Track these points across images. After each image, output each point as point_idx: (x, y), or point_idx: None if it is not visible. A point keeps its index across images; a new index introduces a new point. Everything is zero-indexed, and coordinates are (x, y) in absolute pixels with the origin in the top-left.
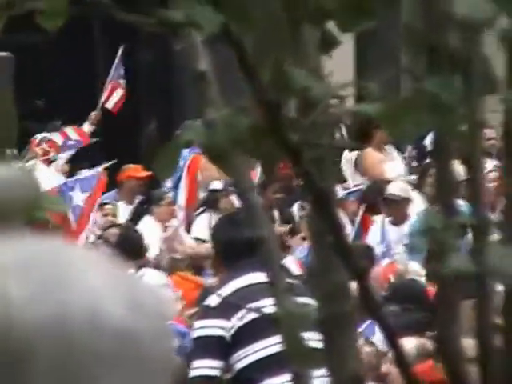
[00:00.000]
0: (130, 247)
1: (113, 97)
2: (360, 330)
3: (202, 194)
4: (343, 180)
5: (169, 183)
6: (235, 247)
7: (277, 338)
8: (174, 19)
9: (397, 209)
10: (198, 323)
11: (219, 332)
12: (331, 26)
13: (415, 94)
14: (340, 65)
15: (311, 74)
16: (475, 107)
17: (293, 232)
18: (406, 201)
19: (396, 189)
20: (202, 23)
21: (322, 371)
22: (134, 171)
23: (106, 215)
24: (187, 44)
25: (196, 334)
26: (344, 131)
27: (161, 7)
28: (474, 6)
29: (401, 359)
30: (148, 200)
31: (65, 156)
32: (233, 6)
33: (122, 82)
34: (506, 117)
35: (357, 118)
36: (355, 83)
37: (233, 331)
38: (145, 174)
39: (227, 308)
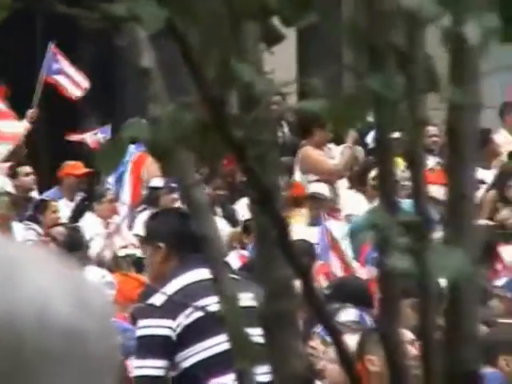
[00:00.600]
0: (73, 245)
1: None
2: (317, 330)
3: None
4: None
5: (111, 179)
6: (176, 241)
7: (223, 337)
8: (117, 14)
9: (320, 208)
10: (142, 322)
11: (164, 331)
12: (275, 20)
13: (358, 91)
14: (282, 62)
15: (254, 70)
16: (417, 105)
17: (247, 230)
18: (328, 201)
19: (321, 188)
20: (146, 18)
21: (266, 368)
22: (73, 168)
23: (53, 212)
24: (130, 38)
25: (140, 333)
26: (286, 128)
27: (104, 1)
28: (418, 3)
29: (344, 356)
30: (89, 197)
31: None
32: (176, 1)
33: (57, 77)
34: (449, 114)
35: (299, 115)
36: (298, 80)
37: (178, 330)
38: (84, 170)
39: (172, 307)
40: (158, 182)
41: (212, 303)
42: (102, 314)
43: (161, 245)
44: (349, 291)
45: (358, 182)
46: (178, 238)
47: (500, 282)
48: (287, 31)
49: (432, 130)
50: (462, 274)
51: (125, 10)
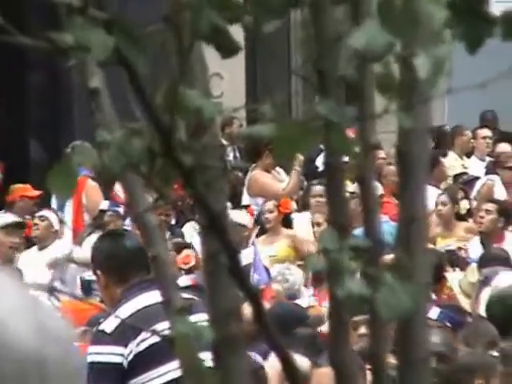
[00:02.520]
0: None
1: None
2: None
3: (87, 216)
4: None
5: (54, 204)
6: (122, 263)
7: (176, 363)
8: (65, 43)
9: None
10: (92, 348)
11: (115, 359)
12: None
13: (308, 117)
14: (231, 87)
15: (203, 96)
16: (367, 129)
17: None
18: (245, 229)
19: (240, 218)
20: (94, 47)
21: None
22: (25, 190)
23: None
24: (78, 63)
25: (91, 359)
26: (237, 153)
27: (53, 28)
28: (370, 39)
29: (293, 378)
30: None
31: None
32: (123, 29)
33: None
34: (399, 138)
35: (248, 139)
36: (247, 106)
37: (130, 357)
38: (37, 192)
39: (124, 333)
40: (105, 205)
41: (165, 328)
42: (63, 338)
43: (98, 272)
44: (287, 316)
45: (301, 204)
46: (114, 263)
47: (433, 313)
48: (236, 59)
49: (380, 153)
50: (410, 312)
51: (73, 39)
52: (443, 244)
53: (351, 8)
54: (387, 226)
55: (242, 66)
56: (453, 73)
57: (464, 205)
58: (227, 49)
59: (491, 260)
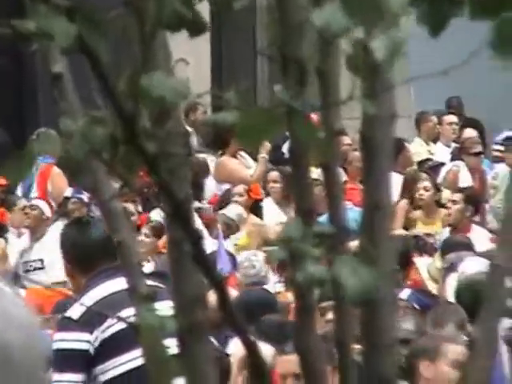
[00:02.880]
0: None
1: None
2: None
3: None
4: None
5: (19, 191)
6: (88, 252)
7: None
8: (28, 30)
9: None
10: (58, 335)
11: (81, 345)
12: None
13: (272, 103)
14: (196, 74)
15: (166, 81)
16: (331, 115)
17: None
18: (237, 226)
19: (231, 213)
20: (57, 34)
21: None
22: None
23: None
24: (42, 48)
25: (57, 346)
26: (200, 140)
27: (16, 16)
28: (329, 18)
29: (258, 367)
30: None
31: None
32: (85, 16)
33: None
34: (363, 125)
35: (213, 126)
36: (212, 93)
37: (96, 344)
38: (2, 180)
39: (90, 320)
40: (70, 192)
41: (130, 315)
42: (26, 324)
43: (64, 261)
44: (257, 303)
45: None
46: (79, 252)
47: (404, 294)
48: (201, 45)
49: (345, 139)
50: (370, 291)
51: (35, 26)
52: (425, 230)
53: None
54: (352, 213)
55: (207, 52)
56: (419, 59)
57: (445, 194)
58: (195, 27)
59: (454, 246)
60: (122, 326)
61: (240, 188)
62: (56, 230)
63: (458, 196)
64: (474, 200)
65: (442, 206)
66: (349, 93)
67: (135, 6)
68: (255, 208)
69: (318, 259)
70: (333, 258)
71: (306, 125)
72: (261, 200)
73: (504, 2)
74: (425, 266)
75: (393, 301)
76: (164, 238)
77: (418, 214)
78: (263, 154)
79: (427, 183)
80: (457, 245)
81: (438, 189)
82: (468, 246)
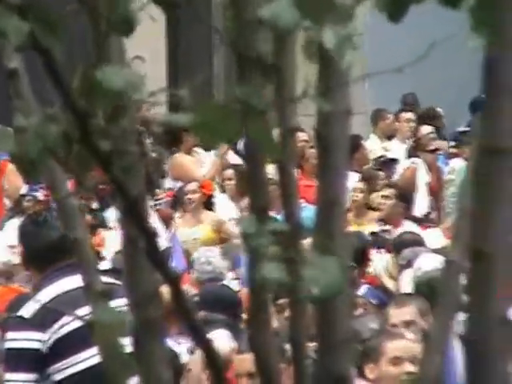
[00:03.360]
0: None
1: None
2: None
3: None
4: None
5: None
6: (43, 249)
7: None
8: None
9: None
10: (10, 334)
11: (34, 345)
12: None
13: (227, 101)
14: (152, 73)
15: (121, 73)
16: (286, 113)
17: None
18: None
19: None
20: (9, 32)
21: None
22: None
23: None
24: None
25: (9, 345)
26: (152, 138)
27: None
28: (279, 12)
29: (213, 363)
30: None
31: None
32: (38, 14)
33: None
34: (318, 121)
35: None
36: (168, 90)
37: (50, 343)
38: None
39: (43, 318)
40: (25, 189)
41: (86, 313)
42: None
43: (20, 258)
44: (216, 299)
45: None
46: (34, 250)
47: (361, 290)
48: (157, 42)
49: (302, 136)
50: (335, 285)
51: None
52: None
53: None
54: (307, 211)
55: (163, 49)
56: (374, 56)
57: (375, 197)
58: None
59: (406, 242)
60: (77, 324)
61: (193, 185)
62: (11, 227)
63: (389, 191)
64: (406, 197)
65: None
66: (303, 90)
67: (89, 4)
68: (208, 204)
69: (275, 257)
70: (290, 256)
71: (260, 122)
72: (212, 196)
73: None
74: (381, 262)
75: (348, 298)
76: (99, 235)
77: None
78: (219, 152)
79: (360, 184)
80: (409, 241)
81: (372, 189)
82: (420, 242)
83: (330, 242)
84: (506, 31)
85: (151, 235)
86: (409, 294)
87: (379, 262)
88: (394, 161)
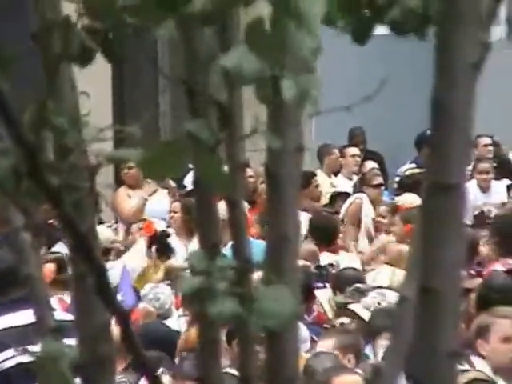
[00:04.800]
0: None
1: None
2: None
3: None
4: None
5: None
6: None
7: None
8: None
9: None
10: None
11: None
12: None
13: (176, 137)
14: (98, 107)
15: (71, 117)
16: (236, 149)
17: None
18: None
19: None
20: None
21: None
22: None
23: None
24: None
25: None
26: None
27: None
28: (241, 62)
29: None
30: None
31: None
32: None
33: None
34: (268, 158)
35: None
36: (114, 126)
37: None
38: None
39: None
40: None
41: (35, 349)
42: None
43: None
44: (153, 337)
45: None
46: None
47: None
48: (103, 78)
49: (249, 171)
50: (289, 314)
51: None
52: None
53: (221, 30)
54: (256, 245)
55: (108, 85)
56: (322, 93)
57: None
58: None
59: (347, 278)
60: (24, 359)
61: (135, 227)
62: None
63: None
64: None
65: None
66: (253, 126)
67: (41, 39)
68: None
69: (226, 293)
70: (242, 292)
71: (211, 158)
72: (154, 236)
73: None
74: (326, 297)
75: (296, 334)
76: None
77: None
78: (144, 195)
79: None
80: (350, 277)
81: None
82: (360, 279)
83: (280, 277)
84: (453, 67)
85: (100, 271)
86: (335, 329)
87: (324, 297)
88: (348, 194)
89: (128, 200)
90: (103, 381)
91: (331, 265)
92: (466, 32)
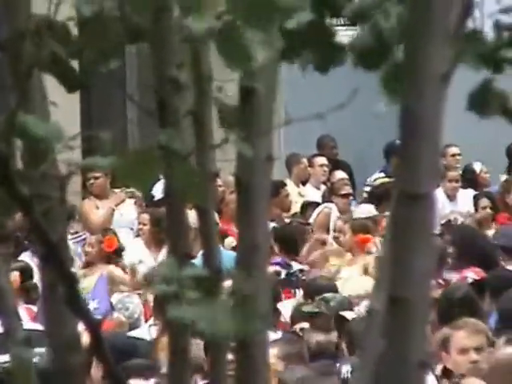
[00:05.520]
0: None
1: None
2: None
3: None
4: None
5: None
6: None
7: None
8: None
9: None
10: None
11: None
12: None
13: (147, 146)
14: (66, 116)
15: (45, 123)
16: (207, 157)
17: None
18: None
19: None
20: None
21: None
22: None
23: None
24: None
25: None
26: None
27: None
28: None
29: None
30: None
31: None
32: None
33: None
34: (238, 167)
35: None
36: (83, 135)
37: None
38: None
39: None
40: None
41: (1, 359)
42: None
43: None
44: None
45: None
46: None
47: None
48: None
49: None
50: (249, 333)
51: None
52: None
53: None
54: (226, 255)
55: (76, 94)
56: (291, 101)
57: None
58: (72, 83)
59: (319, 287)
60: None
61: (92, 239)
62: None
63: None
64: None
65: None
66: (224, 136)
67: (11, 48)
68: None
69: (194, 301)
70: (207, 300)
71: (183, 168)
72: (113, 252)
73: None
74: (291, 306)
75: (266, 343)
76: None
77: None
78: (112, 204)
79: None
80: (322, 287)
81: None
82: (333, 288)
83: (250, 286)
84: (422, 78)
85: (70, 281)
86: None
87: (289, 306)
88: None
89: (95, 210)
90: None
91: (301, 271)
92: (435, 43)
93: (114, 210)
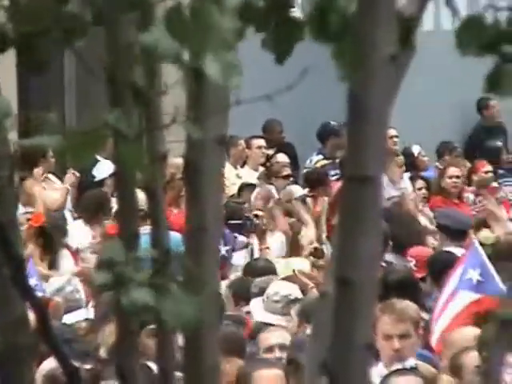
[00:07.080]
0: None
1: None
2: None
3: None
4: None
5: None
6: None
7: None
8: None
9: None
10: None
11: None
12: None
13: (96, 127)
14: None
15: None
16: (156, 140)
17: None
18: None
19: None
20: None
21: None
22: None
23: None
24: None
25: None
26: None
27: None
28: (157, 41)
29: None
30: None
31: None
32: None
33: None
34: (187, 149)
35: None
36: (21, 115)
37: None
38: None
39: None
40: None
41: None
42: None
43: None
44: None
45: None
46: None
47: None
48: (6, 66)
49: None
50: (192, 322)
51: None
52: None
53: (141, 16)
54: (174, 237)
55: (13, 76)
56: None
57: None
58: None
59: (258, 270)
60: None
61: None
62: None
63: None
64: None
65: None
66: (172, 117)
67: None
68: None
69: (142, 284)
70: (156, 283)
71: (131, 148)
72: (43, 227)
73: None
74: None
75: (216, 325)
76: None
77: None
78: (66, 185)
79: None
80: (261, 269)
81: None
82: (272, 271)
83: (199, 269)
84: (370, 60)
85: (17, 262)
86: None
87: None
88: (252, 186)
89: (46, 192)
90: (20, 371)
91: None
92: (383, 25)
93: (68, 190)
